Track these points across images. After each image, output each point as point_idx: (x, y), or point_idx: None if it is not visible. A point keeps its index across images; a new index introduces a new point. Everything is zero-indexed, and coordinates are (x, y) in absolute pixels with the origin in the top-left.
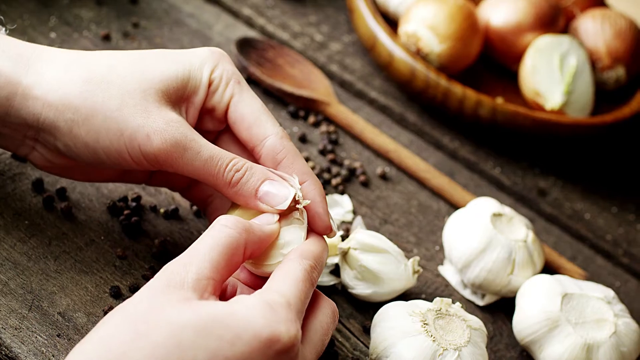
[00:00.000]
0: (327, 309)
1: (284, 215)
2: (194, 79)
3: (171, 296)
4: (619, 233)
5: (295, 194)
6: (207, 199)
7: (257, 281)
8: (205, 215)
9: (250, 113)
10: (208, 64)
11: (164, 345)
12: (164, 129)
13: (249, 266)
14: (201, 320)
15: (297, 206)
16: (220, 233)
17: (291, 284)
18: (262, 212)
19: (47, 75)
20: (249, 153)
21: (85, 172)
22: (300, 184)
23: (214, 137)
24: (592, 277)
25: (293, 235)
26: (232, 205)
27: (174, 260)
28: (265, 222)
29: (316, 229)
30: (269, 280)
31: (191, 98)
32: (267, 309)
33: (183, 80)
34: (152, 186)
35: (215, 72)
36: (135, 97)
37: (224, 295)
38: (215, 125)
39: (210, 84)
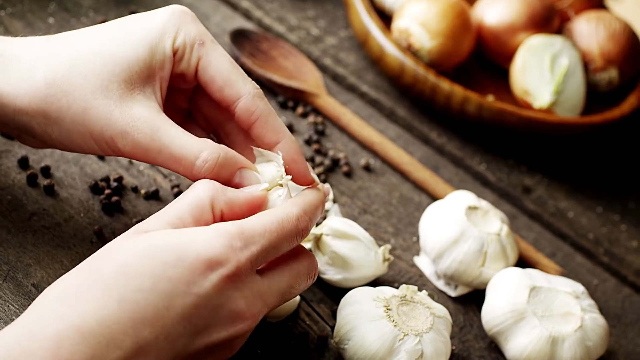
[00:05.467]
0: (305, 260)
1: None
2: (158, 54)
3: (128, 235)
4: (602, 232)
5: (281, 175)
6: None
7: None
8: None
9: (219, 74)
10: (169, 33)
11: (113, 275)
12: (126, 132)
13: None
14: (146, 248)
15: (280, 182)
16: (189, 193)
17: (257, 219)
18: None
19: (12, 79)
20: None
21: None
22: (276, 143)
23: (191, 93)
24: (570, 274)
25: (274, 199)
26: None
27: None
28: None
29: (299, 184)
30: None
31: (159, 73)
32: (214, 235)
33: (145, 61)
34: None
35: (178, 40)
36: (97, 96)
37: None
38: (188, 84)
39: (175, 53)
